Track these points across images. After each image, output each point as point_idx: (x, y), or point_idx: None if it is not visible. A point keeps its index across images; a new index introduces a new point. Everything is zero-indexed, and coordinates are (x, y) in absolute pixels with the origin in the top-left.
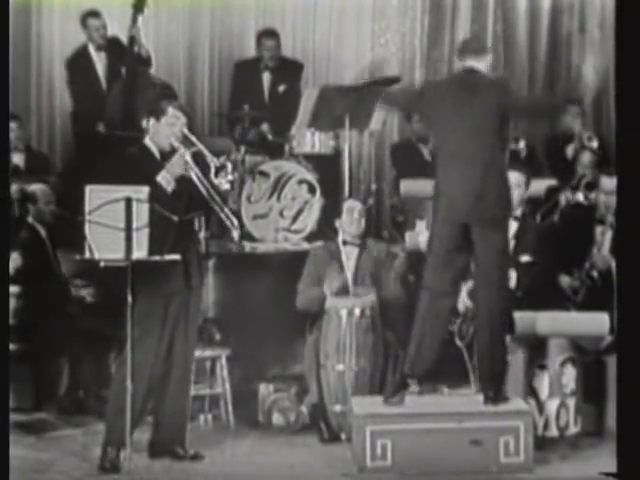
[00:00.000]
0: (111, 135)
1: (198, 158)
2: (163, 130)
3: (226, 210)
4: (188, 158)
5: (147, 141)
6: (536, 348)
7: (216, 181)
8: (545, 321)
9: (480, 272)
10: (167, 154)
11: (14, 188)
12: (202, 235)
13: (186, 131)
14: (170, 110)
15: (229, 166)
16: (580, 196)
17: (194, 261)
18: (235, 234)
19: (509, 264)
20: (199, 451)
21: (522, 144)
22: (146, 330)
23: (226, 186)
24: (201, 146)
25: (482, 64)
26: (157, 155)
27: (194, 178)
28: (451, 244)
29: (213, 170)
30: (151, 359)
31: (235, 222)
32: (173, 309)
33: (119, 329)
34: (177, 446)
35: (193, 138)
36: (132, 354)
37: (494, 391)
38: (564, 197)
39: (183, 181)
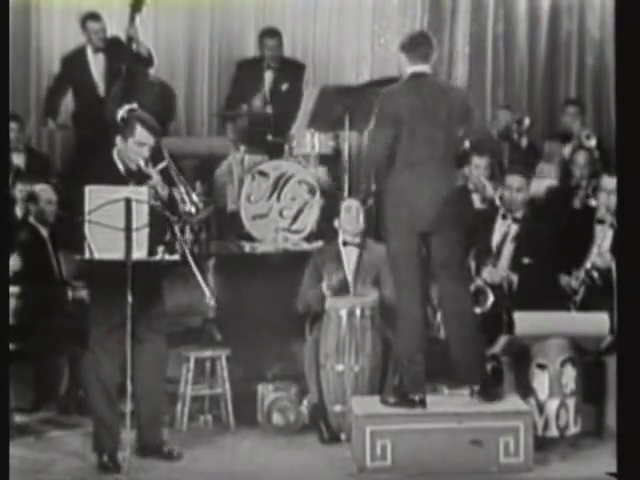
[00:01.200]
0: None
1: (166, 177)
2: (130, 150)
3: (179, 237)
4: (159, 189)
5: (115, 156)
6: (536, 348)
7: (186, 208)
8: (545, 321)
9: (445, 275)
10: (132, 173)
11: (16, 188)
12: (202, 236)
13: (159, 144)
14: (138, 130)
15: (194, 196)
16: (593, 202)
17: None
18: (182, 253)
19: (466, 260)
20: (181, 451)
21: (527, 122)
22: (105, 332)
23: (191, 209)
24: (174, 173)
25: (429, 67)
26: (122, 172)
27: (160, 204)
28: (418, 254)
29: (178, 196)
30: (114, 360)
31: (185, 238)
32: (127, 314)
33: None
34: (159, 445)
35: (165, 154)
36: (131, 354)
37: (482, 386)
38: (578, 202)
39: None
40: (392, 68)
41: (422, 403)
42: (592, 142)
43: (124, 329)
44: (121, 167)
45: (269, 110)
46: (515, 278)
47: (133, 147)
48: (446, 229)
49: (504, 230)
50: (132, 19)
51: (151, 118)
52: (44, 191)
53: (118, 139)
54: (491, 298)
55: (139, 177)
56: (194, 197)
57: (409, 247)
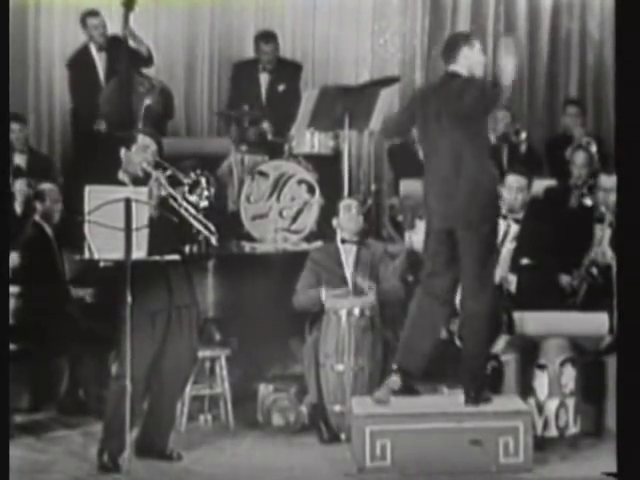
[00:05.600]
0: (109, 135)
1: (174, 182)
2: (135, 157)
3: (200, 218)
4: (163, 180)
5: (120, 175)
6: (535, 348)
7: (192, 198)
8: (544, 321)
9: (464, 274)
10: (141, 181)
11: (20, 186)
12: (201, 237)
13: (158, 158)
14: (140, 137)
15: (203, 182)
16: (589, 201)
17: (178, 279)
18: (213, 240)
19: (492, 265)
20: (180, 452)
21: (523, 136)
22: (136, 340)
23: (204, 203)
24: (173, 169)
25: (459, 67)
26: (130, 185)
27: (170, 199)
28: (442, 251)
29: (186, 188)
30: (143, 366)
31: (212, 227)
32: (159, 326)
33: (116, 330)
34: (163, 447)
35: (165, 164)
36: (131, 355)
37: (475, 391)
38: (574, 200)
39: (162, 205)
40: (392, 68)
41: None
42: (593, 148)
43: (152, 344)
44: (127, 181)
45: (266, 111)
46: (514, 279)
47: (137, 153)
48: (463, 228)
49: (504, 230)
50: (126, 18)
51: (150, 129)
52: (51, 190)
53: (122, 152)
54: None
55: (145, 183)
56: (204, 188)
57: (433, 245)
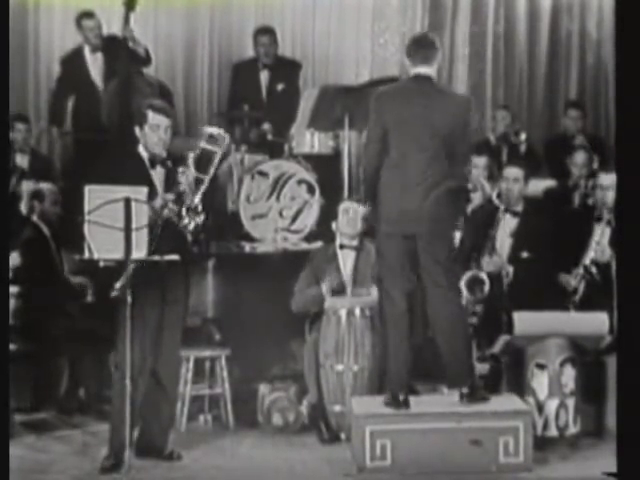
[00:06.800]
0: (76, 139)
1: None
2: (149, 136)
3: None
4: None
5: (140, 149)
6: (535, 348)
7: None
8: (544, 321)
9: (427, 280)
10: (157, 157)
11: (27, 187)
12: (202, 236)
13: (165, 137)
14: (150, 116)
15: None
16: (590, 200)
17: (172, 273)
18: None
19: (454, 269)
20: (180, 452)
21: (523, 137)
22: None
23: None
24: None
25: (432, 70)
26: (147, 162)
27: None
28: (401, 256)
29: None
30: (139, 362)
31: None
32: (151, 320)
33: (114, 330)
34: (163, 447)
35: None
36: (131, 354)
37: (468, 389)
38: (576, 201)
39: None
40: (391, 68)
41: (405, 404)
42: (595, 159)
43: (144, 338)
44: (146, 159)
45: (267, 110)
46: (510, 269)
47: (150, 131)
48: (433, 232)
49: (501, 222)
50: (127, 18)
51: (160, 102)
52: (51, 191)
53: (137, 130)
54: (487, 285)
55: (163, 161)
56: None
57: (395, 249)
